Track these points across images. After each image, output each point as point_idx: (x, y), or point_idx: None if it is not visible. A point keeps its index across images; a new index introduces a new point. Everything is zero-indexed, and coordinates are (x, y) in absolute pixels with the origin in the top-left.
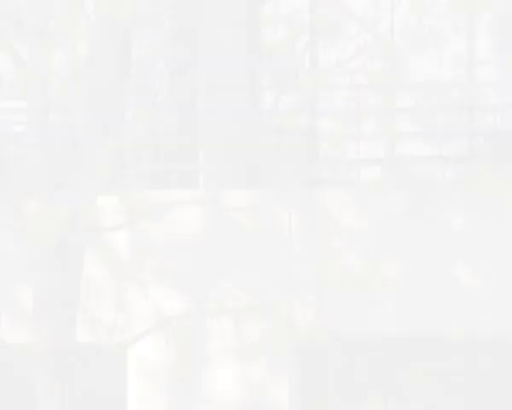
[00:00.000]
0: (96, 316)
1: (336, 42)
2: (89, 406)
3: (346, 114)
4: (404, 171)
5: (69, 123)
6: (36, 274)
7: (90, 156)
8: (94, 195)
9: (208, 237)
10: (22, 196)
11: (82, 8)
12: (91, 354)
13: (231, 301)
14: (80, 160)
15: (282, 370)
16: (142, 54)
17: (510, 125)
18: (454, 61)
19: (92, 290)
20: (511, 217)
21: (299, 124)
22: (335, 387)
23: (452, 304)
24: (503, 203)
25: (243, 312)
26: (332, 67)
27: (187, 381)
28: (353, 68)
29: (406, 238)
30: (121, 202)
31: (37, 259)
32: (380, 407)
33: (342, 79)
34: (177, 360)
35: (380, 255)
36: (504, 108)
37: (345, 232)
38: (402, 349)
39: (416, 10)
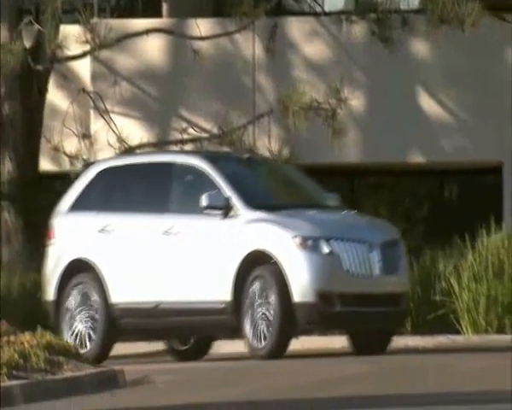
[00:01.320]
0: (59, 145)
1: None
2: None
3: None
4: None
5: None
6: None
7: None
8: (57, 23)
9: (172, 67)
10: None
11: None
12: (55, 182)
13: (195, 130)
14: None
15: None
16: None
17: None
18: None
19: (56, 120)
20: (475, 47)
21: None
22: None
23: (415, 134)
24: (466, 33)
25: (206, 140)
26: None
27: None
28: None
29: (370, 68)
30: (85, 30)
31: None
32: None
33: None
34: None
35: (343, 85)
36: None
37: (309, 62)
38: (365, 178)
39: None
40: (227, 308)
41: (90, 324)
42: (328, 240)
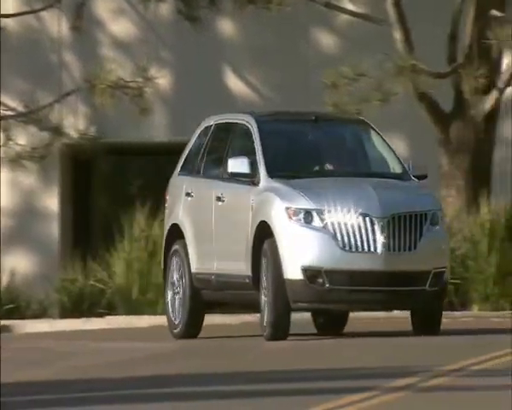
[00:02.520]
0: None
1: None
2: None
3: None
4: None
5: None
6: None
7: None
8: None
9: None
10: None
11: None
12: None
13: (1, 108)
14: None
15: (53, 175)
16: None
17: None
18: None
19: None
20: (282, 27)
21: None
22: (105, 193)
23: (222, 112)
24: (272, 13)
25: (12, 118)
26: None
27: None
28: None
29: (177, 47)
30: None
31: None
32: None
33: None
34: None
35: (150, 64)
36: None
37: (116, 40)
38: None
39: None
40: (249, 283)
41: (179, 296)
42: (322, 213)
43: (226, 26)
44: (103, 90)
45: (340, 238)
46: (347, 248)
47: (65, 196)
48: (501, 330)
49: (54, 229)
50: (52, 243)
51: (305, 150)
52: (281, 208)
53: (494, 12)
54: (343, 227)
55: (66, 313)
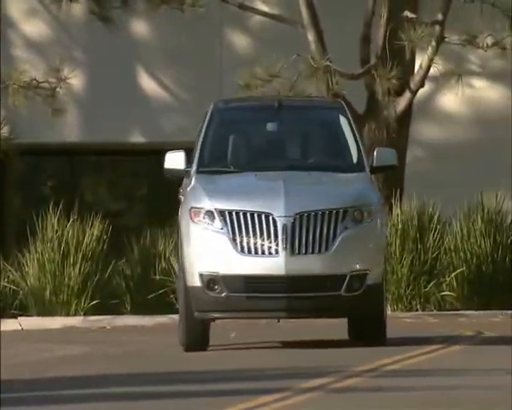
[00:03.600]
0: None
1: None
2: None
3: None
4: None
5: None
6: None
7: None
8: None
9: None
10: None
11: None
12: None
13: None
14: None
15: None
16: None
17: None
18: None
19: None
20: (195, 27)
21: None
22: (19, 193)
23: (135, 113)
24: (185, 14)
25: None
26: None
27: None
28: None
29: (90, 47)
30: None
31: None
32: None
33: None
34: None
35: (63, 64)
36: None
37: (28, 41)
38: (85, 158)
39: None
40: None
41: None
42: (223, 213)
43: (139, 27)
44: (16, 90)
45: (238, 241)
46: (246, 251)
47: None
48: (413, 330)
49: None
50: None
51: (251, 142)
52: (186, 209)
53: (407, 13)
54: (243, 229)
55: None
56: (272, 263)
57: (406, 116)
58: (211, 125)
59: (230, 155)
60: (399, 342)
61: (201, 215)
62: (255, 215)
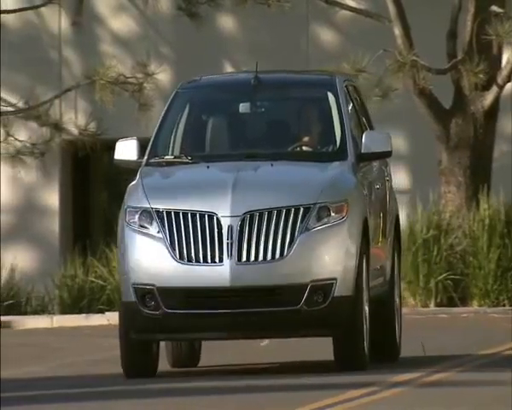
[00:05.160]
0: None
1: None
2: None
3: None
4: None
5: None
6: None
7: None
8: None
9: None
10: None
11: None
12: None
13: (1, 104)
14: None
15: (53, 171)
16: None
17: None
18: None
19: None
20: (280, 21)
21: None
22: (105, 189)
23: None
24: (271, 8)
25: (12, 114)
26: None
27: None
28: None
29: (177, 43)
30: None
31: None
32: None
33: None
34: None
35: (150, 60)
36: None
37: (116, 36)
38: None
39: None
40: None
41: None
42: (160, 213)
43: (226, 22)
44: (103, 86)
45: (177, 248)
46: (186, 259)
47: (65, 192)
48: (501, 326)
49: (54, 225)
50: (52, 239)
51: (215, 127)
52: (123, 208)
53: (494, 8)
54: (183, 232)
55: (65, 310)
56: (215, 273)
57: (493, 111)
58: (171, 108)
59: (186, 143)
60: (488, 338)
61: (137, 216)
62: (197, 216)
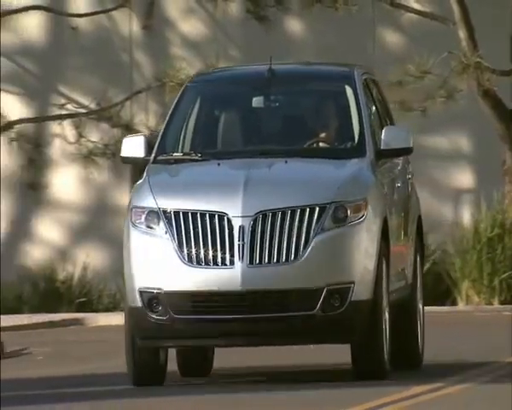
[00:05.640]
0: None
1: None
2: None
3: None
4: None
5: None
6: None
7: None
8: None
9: (50, 43)
10: None
11: None
12: None
13: (74, 106)
14: None
15: (125, 171)
16: None
17: None
18: None
19: None
20: (348, 24)
21: None
22: None
23: None
24: (338, 11)
25: (85, 116)
26: None
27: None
28: None
29: (245, 45)
30: None
31: None
32: None
33: None
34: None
35: (219, 62)
36: None
37: (185, 39)
38: None
39: None
40: None
41: None
42: (167, 213)
43: (294, 25)
44: (173, 87)
45: (185, 250)
46: (194, 262)
47: None
48: None
49: None
50: None
51: (227, 122)
52: (129, 208)
53: None
54: (192, 234)
55: None
56: (226, 276)
57: None
58: (180, 103)
59: (196, 140)
60: None
61: (143, 216)
62: (206, 216)
